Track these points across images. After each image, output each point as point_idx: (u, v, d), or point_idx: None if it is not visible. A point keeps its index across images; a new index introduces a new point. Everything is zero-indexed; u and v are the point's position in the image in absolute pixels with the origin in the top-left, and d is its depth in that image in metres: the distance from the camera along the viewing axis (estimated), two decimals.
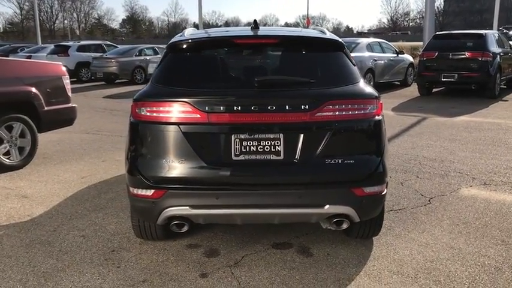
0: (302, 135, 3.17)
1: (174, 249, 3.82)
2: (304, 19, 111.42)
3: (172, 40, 3.61)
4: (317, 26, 45.29)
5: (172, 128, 3.21)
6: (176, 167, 3.20)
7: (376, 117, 3.29)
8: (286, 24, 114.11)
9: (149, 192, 3.26)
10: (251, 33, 3.57)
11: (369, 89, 3.35)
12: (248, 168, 3.17)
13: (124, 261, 3.64)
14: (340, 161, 3.19)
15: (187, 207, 3.19)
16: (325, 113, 3.17)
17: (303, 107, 3.16)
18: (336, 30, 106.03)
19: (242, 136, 3.16)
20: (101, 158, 6.93)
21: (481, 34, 12.67)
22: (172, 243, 3.92)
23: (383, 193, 3.35)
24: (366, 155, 3.27)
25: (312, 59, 3.45)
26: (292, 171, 3.18)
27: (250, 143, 3.16)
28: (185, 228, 3.36)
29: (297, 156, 3.16)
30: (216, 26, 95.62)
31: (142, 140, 3.30)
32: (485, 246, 3.84)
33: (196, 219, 3.33)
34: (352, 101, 3.22)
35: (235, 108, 3.15)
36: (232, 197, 3.20)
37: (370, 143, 3.29)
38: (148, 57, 19.38)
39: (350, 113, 3.21)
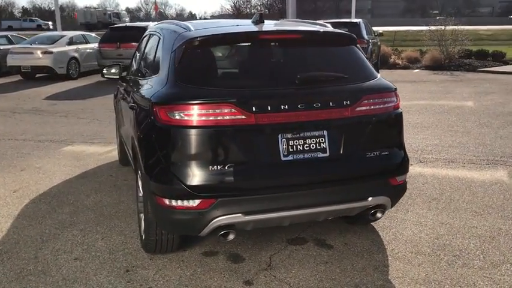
0: (344, 131, 3.19)
1: (193, 260, 3.58)
2: (146, 4, 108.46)
3: (192, 35, 3.32)
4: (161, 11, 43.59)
5: (214, 131, 3.00)
6: (225, 173, 3.00)
7: (399, 109, 3.45)
8: (128, 10, 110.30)
9: (194, 203, 3.01)
10: (273, 28, 3.46)
11: (389, 83, 3.49)
12: (298, 168, 3.10)
13: (150, 281, 3.32)
14: (377, 153, 3.29)
15: (240, 215, 3.02)
16: (363, 107, 3.24)
17: (344, 102, 3.18)
18: (179, 16, 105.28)
19: (288, 135, 3.08)
20: (16, 167, 6.12)
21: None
22: (186, 253, 3.68)
23: (406, 180, 3.54)
24: (395, 145, 3.42)
25: (336, 54, 3.47)
26: (339, 167, 3.19)
27: (296, 142, 3.10)
28: (231, 237, 3.17)
29: (341, 151, 3.18)
30: (49, 9, 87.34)
31: (179, 147, 3.01)
32: (466, 219, 4.28)
33: (246, 226, 3.17)
34: (383, 95, 3.33)
35: (282, 107, 3.05)
36: (285, 198, 3.11)
37: (398, 134, 3.44)
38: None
39: (382, 106, 3.32)
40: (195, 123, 2.98)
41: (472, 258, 3.57)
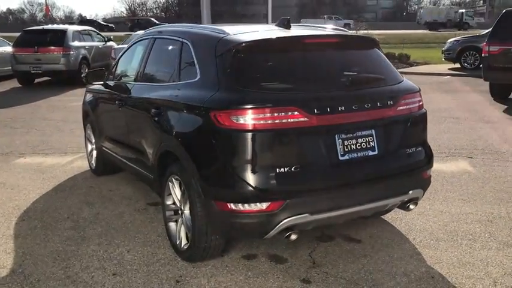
0: (388, 129, 3.40)
1: (237, 264, 3.58)
2: (31, 5, 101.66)
3: (239, 39, 3.32)
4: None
5: (279, 134, 3.05)
6: (291, 175, 3.06)
7: (424, 108, 3.73)
8: (9, 11, 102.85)
9: (263, 206, 3.03)
10: (316, 32, 3.58)
11: (414, 84, 3.77)
12: (353, 166, 3.25)
13: None
14: (414, 150, 3.55)
15: (307, 214, 3.10)
16: (402, 107, 3.47)
17: (388, 102, 3.39)
18: (68, 19, 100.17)
19: (343, 136, 3.22)
20: None
21: (62, 30, 14.08)
22: (226, 259, 3.66)
23: None
24: (424, 141, 3.69)
25: (367, 56, 3.65)
26: (386, 164, 3.39)
27: (350, 142, 3.24)
28: (294, 237, 3.22)
29: (387, 149, 3.39)
30: None
31: (245, 151, 3.01)
32: (458, 206, 4.70)
33: (309, 225, 3.25)
34: (414, 95, 3.60)
35: (339, 108, 3.18)
36: (345, 197, 3.24)
37: (424, 130, 3.72)
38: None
39: (414, 105, 3.58)
40: (261, 127, 3.00)
41: (485, 240, 3.96)
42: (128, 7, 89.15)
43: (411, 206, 3.67)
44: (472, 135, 7.46)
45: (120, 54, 5.26)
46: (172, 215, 3.81)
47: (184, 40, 3.82)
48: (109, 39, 16.76)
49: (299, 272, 3.46)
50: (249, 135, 3.00)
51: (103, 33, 17.47)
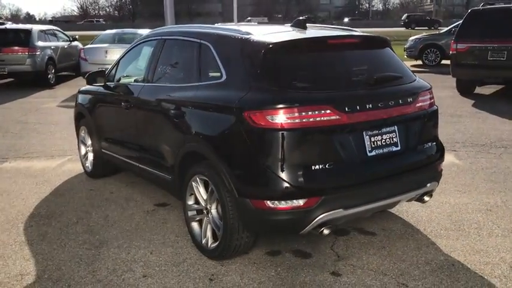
0: (408, 125, 3.56)
1: (264, 260, 3.66)
2: None
3: (267, 40, 3.38)
4: None
5: (314, 132, 3.15)
6: (325, 171, 3.16)
7: (435, 105, 3.92)
8: None
9: (300, 202, 3.12)
10: (338, 33, 3.70)
11: (426, 82, 3.95)
12: (380, 162, 3.39)
13: (244, 285, 3.33)
14: (430, 144, 3.73)
15: (341, 210, 3.21)
16: (419, 104, 3.64)
17: (408, 99, 3.55)
18: (14, 17, 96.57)
19: (370, 132, 3.35)
20: None
21: (27, 30, 13.91)
22: (252, 255, 3.73)
23: None
24: (436, 136, 3.88)
25: (385, 56, 3.79)
26: (408, 159, 3.55)
27: (376, 138, 3.38)
28: (327, 232, 3.32)
29: (409, 144, 3.55)
30: None
31: (281, 149, 3.09)
32: (456, 197, 4.94)
33: (341, 220, 3.36)
34: (428, 92, 3.77)
35: (367, 106, 3.31)
36: (375, 191, 3.37)
37: (436, 126, 3.90)
38: None
39: (428, 102, 3.75)
40: (296, 125, 3.09)
41: (490, 228, 4.19)
42: (79, 5, 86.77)
43: (426, 198, 3.84)
44: (450, 130, 7.79)
45: (121, 55, 5.20)
46: (195, 215, 3.84)
47: (202, 41, 3.84)
48: (74, 39, 16.35)
49: (327, 266, 3.57)
50: (285, 133, 3.08)
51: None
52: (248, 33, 3.58)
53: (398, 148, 3.48)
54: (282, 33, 3.72)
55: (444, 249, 3.82)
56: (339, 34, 3.80)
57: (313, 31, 3.84)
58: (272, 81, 3.25)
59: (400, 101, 3.49)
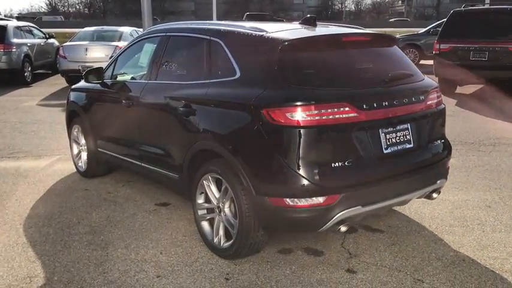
0: (420, 123, 3.60)
1: (277, 259, 3.64)
2: None
3: (284, 37, 3.36)
4: None
5: (333, 129, 3.14)
6: (344, 168, 3.16)
7: (443, 103, 3.97)
8: None
9: (320, 200, 3.11)
10: (352, 30, 3.71)
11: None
12: (395, 159, 3.41)
13: (261, 284, 3.30)
14: (439, 142, 3.78)
15: (359, 207, 3.21)
16: (429, 102, 3.68)
17: (420, 97, 3.58)
18: None
19: (385, 130, 3.37)
20: None
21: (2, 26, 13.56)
22: (264, 254, 3.70)
23: None
24: (444, 134, 3.93)
25: (394, 54, 3.82)
26: (421, 156, 3.59)
27: (391, 136, 3.40)
28: (344, 229, 3.32)
29: (420, 142, 3.58)
30: None
31: (301, 146, 3.07)
32: (455, 194, 5.02)
33: (358, 217, 3.36)
34: (437, 90, 3.82)
35: (383, 103, 3.32)
36: (391, 188, 3.39)
37: (444, 124, 3.95)
38: None
39: (437, 100, 3.80)
40: (316, 123, 3.08)
41: (493, 224, 4.27)
42: (48, 2, 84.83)
43: (434, 195, 3.89)
44: None
45: (119, 52, 5.09)
46: (206, 214, 3.79)
47: (212, 38, 3.79)
48: (51, 36, 15.97)
49: (340, 263, 3.57)
50: (305, 131, 3.07)
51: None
52: (262, 30, 3.55)
53: (412, 145, 3.51)
54: (295, 31, 3.70)
55: (452, 245, 3.87)
56: (352, 32, 3.81)
57: (324, 29, 3.84)
58: (289, 78, 3.23)
59: (413, 98, 3.52)
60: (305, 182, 3.08)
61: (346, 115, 3.15)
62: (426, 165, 3.63)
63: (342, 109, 3.13)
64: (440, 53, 10.73)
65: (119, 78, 4.85)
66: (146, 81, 4.38)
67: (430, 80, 3.88)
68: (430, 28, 16.89)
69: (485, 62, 10.10)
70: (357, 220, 3.48)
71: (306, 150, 3.08)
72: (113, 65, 5.04)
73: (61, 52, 12.96)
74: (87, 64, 12.44)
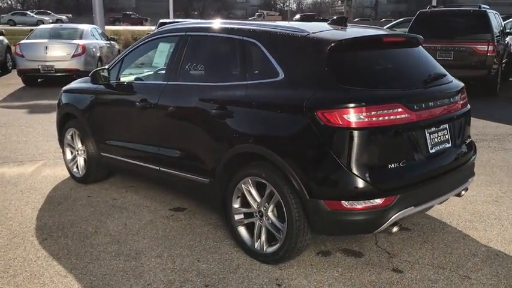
0: (455, 123, 3.67)
1: (319, 262, 3.60)
2: None
3: (334, 38, 3.32)
4: None
5: (388, 130, 3.15)
6: (399, 169, 3.18)
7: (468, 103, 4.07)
8: None
9: (378, 201, 3.10)
10: (393, 32, 3.73)
11: None
12: (439, 158, 3.46)
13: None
14: (468, 141, 3.88)
15: (412, 207, 3.23)
16: (461, 101, 3.77)
17: (456, 97, 3.66)
18: None
19: (429, 130, 3.41)
20: None
21: None
22: (305, 258, 3.65)
23: None
24: (469, 133, 4.03)
25: (424, 55, 3.85)
26: (458, 155, 3.66)
27: (434, 135, 3.45)
28: (396, 230, 3.32)
29: (456, 141, 3.66)
30: None
31: (358, 148, 3.05)
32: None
33: (410, 217, 3.38)
34: (464, 91, 3.92)
35: (430, 104, 3.37)
36: (439, 187, 3.44)
37: (470, 124, 4.05)
38: None
39: (465, 100, 3.89)
40: (372, 124, 3.07)
41: (508, 218, 4.44)
42: None
43: (463, 192, 3.98)
44: None
45: (126, 52, 4.84)
46: (243, 219, 3.69)
47: (246, 38, 3.69)
48: (0, 33, 15.07)
49: (384, 263, 3.59)
50: (362, 132, 3.05)
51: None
52: (303, 31, 3.49)
53: (450, 145, 3.58)
54: (333, 31, 3.66)
55: (480, 240, 3.98)
56: (391, 33, 3.83)
57: (360, 29, 3.84)
58: (340, 79, 3.20)
59: (451, 99, 3.59)
60: (363, 184, 3.06)
61: (400, 116, 3.16)
62: (461, 163, 3.71)
63: (395, 110, 3.14)
64: None
65: (130, 78, 4.63)
66: (165, 83, 4.20)
67: (458, 81, 3.96)
68: (392, 25, 17.38)
69: (451, 61, 10.50)
70: (405, 219, 3.50)
71: (362, 151, 3.06)
72: (119, 65, 4.80)
73: (18, 50, 12.26)
74: (48, 63, 11.88)
